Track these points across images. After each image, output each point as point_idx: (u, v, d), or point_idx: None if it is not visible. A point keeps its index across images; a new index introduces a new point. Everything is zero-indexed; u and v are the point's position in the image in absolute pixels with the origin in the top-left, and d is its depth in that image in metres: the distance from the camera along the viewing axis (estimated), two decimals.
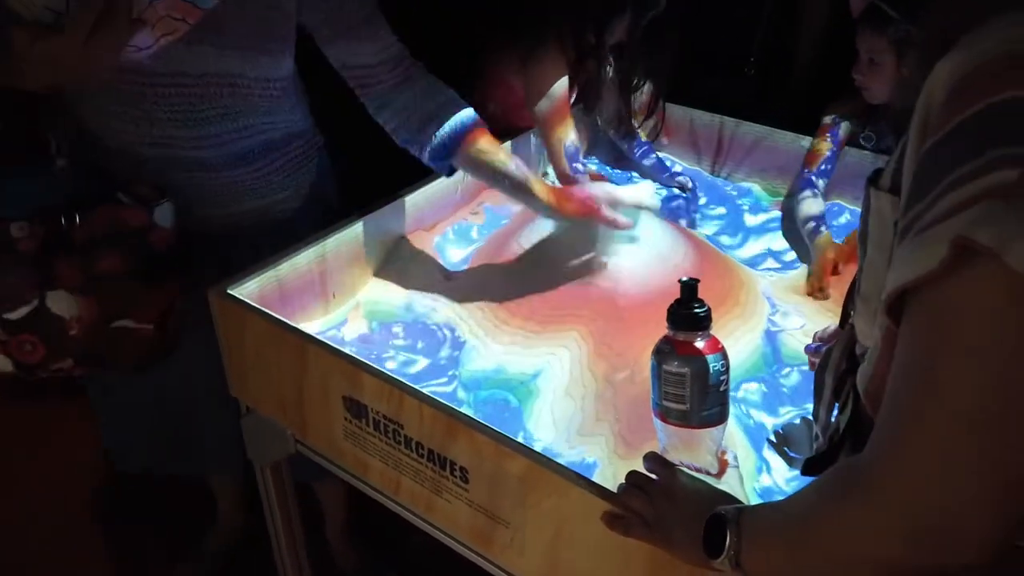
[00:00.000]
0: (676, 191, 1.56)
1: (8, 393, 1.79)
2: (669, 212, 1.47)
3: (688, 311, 0.73)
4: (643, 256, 1.21)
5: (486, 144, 1.14)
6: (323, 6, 1.05)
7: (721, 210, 1.54)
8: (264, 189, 1.17)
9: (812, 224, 1.36)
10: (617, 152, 1.69)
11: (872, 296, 0.57)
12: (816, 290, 1.26)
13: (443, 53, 1.76)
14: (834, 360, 0.69)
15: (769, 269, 1.37)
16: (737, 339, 1.16)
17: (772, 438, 1.01)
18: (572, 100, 1.56)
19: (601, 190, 1.17)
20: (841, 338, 0.69)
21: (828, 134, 1.45)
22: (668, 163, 1.66)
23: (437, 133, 1.12)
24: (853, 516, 0.50)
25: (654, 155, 1.64)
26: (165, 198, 1.04)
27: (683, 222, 1.47)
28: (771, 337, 1.17)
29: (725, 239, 1.46)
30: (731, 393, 1.06)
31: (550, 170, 1.64)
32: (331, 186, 1.27)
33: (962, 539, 0.45)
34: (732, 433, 1.00)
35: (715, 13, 1.74)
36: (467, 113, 1.15)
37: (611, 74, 1.50)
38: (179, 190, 1.07)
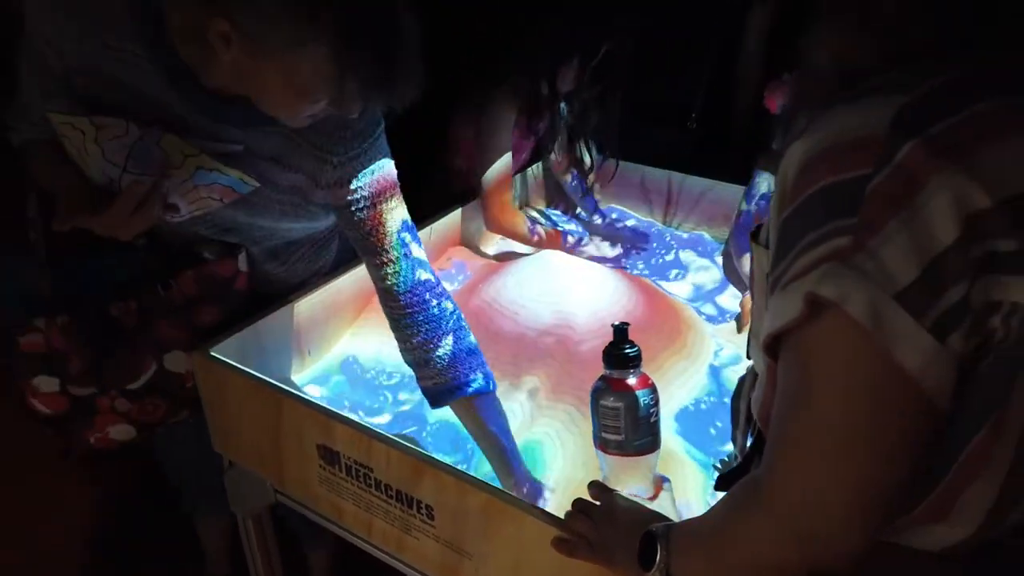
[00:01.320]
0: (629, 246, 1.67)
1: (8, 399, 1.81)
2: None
3: (620, 352, 0.82)
4: (597, 304, 1.31)
5: None
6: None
7: (692, 254, 1.64)
8: (295, 271, 1.23)
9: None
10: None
11: (758, 334, 0.66)
12: (742, 327, 1.38)
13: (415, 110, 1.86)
14: (746, 389, 0.78)
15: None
16: (688, 379, 1.25)
17: (718, 466, 1.09)
18: (528, 153, 1.68)
19: None
20: (751, 369, 0.78)
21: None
22: (616, 217, 1.77)
23: None
24: (753, 525, 0.59)
25: (607, 217, 1.75)
26: (241, 247, 1.12)
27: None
28: (715, 372, 1.26)
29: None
30: (679, 425, 1.15)
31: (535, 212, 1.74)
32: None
33: (837, 542, 0.55)
34: (682, 462, 1.09)
35: (659, 73, 1.87)
36: None
37: (564, 121, 1.61)
38: None
